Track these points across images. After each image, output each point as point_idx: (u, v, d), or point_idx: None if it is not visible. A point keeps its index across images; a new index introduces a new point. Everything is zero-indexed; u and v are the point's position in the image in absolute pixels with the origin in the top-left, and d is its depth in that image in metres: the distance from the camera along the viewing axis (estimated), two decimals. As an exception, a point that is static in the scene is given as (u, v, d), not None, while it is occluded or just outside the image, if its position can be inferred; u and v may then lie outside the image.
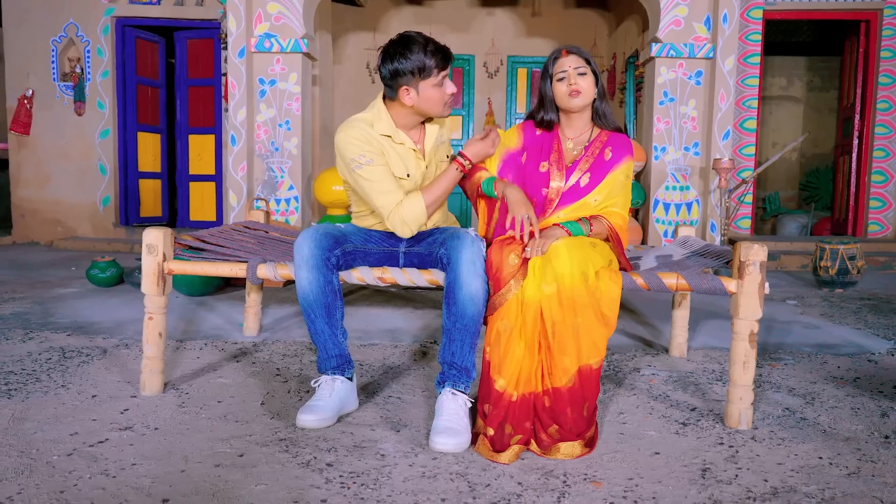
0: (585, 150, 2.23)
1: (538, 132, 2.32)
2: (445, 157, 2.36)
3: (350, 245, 2.18)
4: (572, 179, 2.20)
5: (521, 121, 2.41)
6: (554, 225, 2.10)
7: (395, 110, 2.20)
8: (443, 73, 2.13)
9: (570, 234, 2.06)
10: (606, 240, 2.15)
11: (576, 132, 2.27)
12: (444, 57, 2.13)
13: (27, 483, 1.64)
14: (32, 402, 2.21)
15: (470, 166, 2.22)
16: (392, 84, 2.14)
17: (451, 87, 2.17)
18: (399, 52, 2.10)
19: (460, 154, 2.21)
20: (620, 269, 2.17)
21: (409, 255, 2.28)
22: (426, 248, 2.23)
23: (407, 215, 2.15)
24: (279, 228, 3.02)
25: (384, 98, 2.23)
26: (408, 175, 2.23)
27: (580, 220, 2.12)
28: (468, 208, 7.89)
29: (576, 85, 2.17)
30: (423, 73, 2.10)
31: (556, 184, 2.21)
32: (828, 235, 6.88)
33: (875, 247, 5.92)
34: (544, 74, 2.25)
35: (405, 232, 2.18)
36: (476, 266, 1.98)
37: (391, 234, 2.30)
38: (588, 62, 2.20)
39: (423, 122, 2.29)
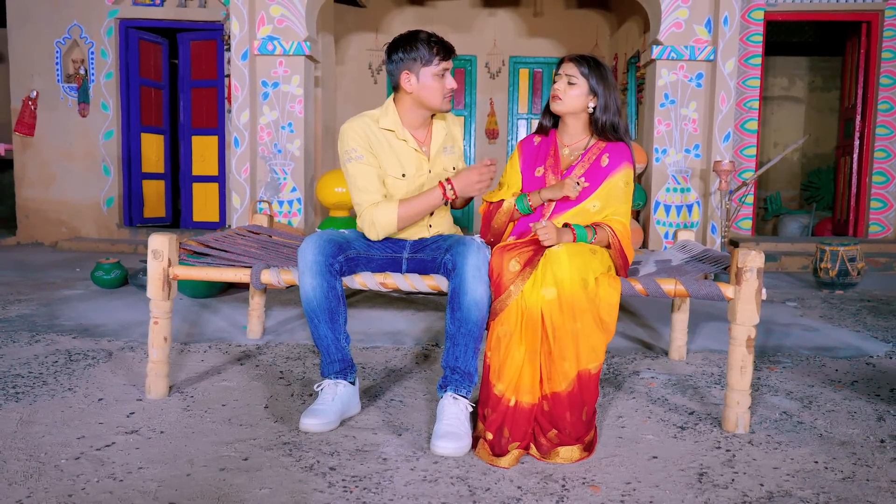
0: (581, 157, 2.24)
1: (536, 140, 2.35)
2: (452, 168, 2.38)
3: (353, 251, 2.21)
4: None
5: (523, 138, 2.44)
6: (564, 224, 2.13)
7: (400, 104, 2.28)
8: (443, 65, 2.22)
9: (574, 236, 2.09)
10: (608, 247, 2.17)
11: (571, 139, 2.29)
12: (445, 49, 2.23)
13: (36, 487, 1.68)
14: (40, 405, 2.24)
15: (454, 196, 2.20)
16: (395, 71, 2.24)
17: (451, 82, 2.25)
18: (404, 41, 2.23)
19: (448, 180, 2.21)
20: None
21: (413, 261, 2.30)
22: (430, 255, 2.26)
23: (377, 219, 2.20)
24: (282, 232, 3.05)
25: (394, 96, 2.31)
26: (403, 175, 2.27)
27: (587, 226, 2.14)
28: (470, 211, 7.91)
29: (557, 91, 2.21)
30: (424, 60, 2.20)
31: None
32: (829, 236, 6.89)
33: (876, 247, 5.94)
34: None
35: (372, 234, 2.24)
36: (481, 272, 2.02)
37: (395, 241, 2.33)
38: (586, 76, 2.18)
39: (430, 122, 2.34)
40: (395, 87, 2.28)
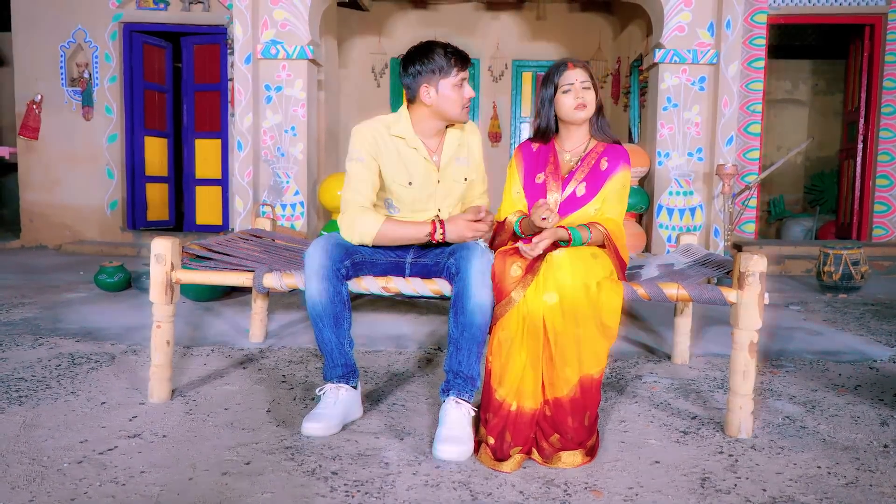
0: (581, 161, 2.26)
1: (534, 147, 2.35)
2: (463, 179, 2.36)
3: (359, 255, 2.22)
4: (568, 190, 2.24)
5: (519, 144, 2.43)
6: (557, 227, 2.13)
7: (415, 114, 2.27)
8: (461, 75, 2.22)
9: (570, 238, 2.09)
10: (602, 245, 2.17)
11: (574, 144, 2.30)
12: (462, 58, 2.23)
13: (38, 490, 1.68)
14: (43, 409, 2.25)
15: (441, 239, 2.18)
16: (413, 85, 2.23)
17: (469, 91, 2.25)
18: (420, 53, 2.22)
19: (442, 223, 2.19)
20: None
21: (416, 265, 2.31)
22: (433, 259, 2.27)
23: (359, 224, 2.19)
24: (285, 236, 3.06)
25: (409, 106, 2.31)
26: (410, 183, 2.26)
27: (580, 226, 2.15)
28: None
29: (582, 99, 2.21)
30: (442, 71, 2.19)
31: (553, 195, 2.24)
32: (832, 239, 6.87)
33: (879, 251, 5.92)
34: (546, 84, 2.27)
35: (346, 233, 2.21)
36: (485, 277, 2.03)
37: (400, 245, 2.32)
38: (592, 78, 2.24)
39: (444, 131, 2.32)
40: (411, 100, 2.27)
